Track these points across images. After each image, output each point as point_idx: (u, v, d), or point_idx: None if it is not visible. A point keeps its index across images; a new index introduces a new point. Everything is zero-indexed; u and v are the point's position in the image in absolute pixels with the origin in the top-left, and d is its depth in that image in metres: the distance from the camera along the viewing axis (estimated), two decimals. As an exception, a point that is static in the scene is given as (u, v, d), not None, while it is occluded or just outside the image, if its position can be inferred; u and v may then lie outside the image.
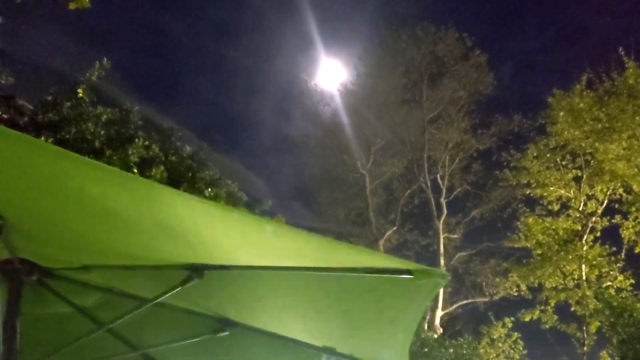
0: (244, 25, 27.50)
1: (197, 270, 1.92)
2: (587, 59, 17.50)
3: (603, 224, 17.32)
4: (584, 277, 16.56)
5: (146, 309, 2.21)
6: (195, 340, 2.51)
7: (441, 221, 20.07)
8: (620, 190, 16.92)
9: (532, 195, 18.30)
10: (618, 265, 16.70)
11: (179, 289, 1.96)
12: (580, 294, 16.49)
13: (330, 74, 23.01)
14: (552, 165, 17.97)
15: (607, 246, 16.92)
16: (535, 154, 18.10)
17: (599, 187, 17.26)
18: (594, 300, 14.64)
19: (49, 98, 7.49)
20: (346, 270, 1.87)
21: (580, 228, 17.46)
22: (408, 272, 1.75)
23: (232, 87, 27.75)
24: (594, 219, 17.32)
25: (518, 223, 18.60)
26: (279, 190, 26.30)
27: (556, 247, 17.28)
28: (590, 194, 17.61)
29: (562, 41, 26.20)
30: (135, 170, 6.99)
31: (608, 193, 17.20)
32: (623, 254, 16.91)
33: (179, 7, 24.70)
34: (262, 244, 1.81)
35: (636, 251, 16.76)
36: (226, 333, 2.49)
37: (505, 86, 21.76)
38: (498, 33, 28.39)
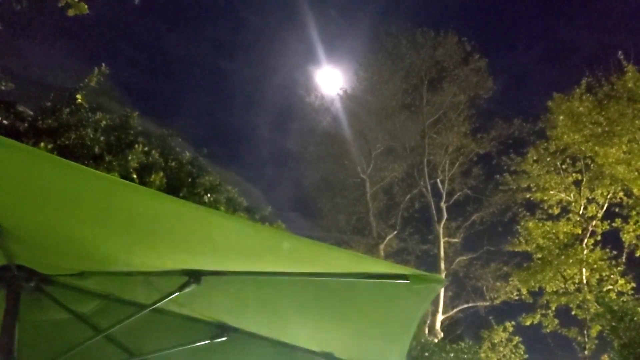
0: (243, 37, 27.54)
1: (194, 276, 1.93)
2: (580, 71, 17.55)
3: (603, 228, 17.31)
4: (585, 281, 16.55)
5: (144, 315, 2.22)
6: (193, 346, 2.51)
7: (441, 225, 20.07)
8: (621, 194, 16.92)
9: (532, 199, 18.32)
10: (619, 269, 16.70)
11: (177, 294, 1.97)
12: (581, 298, 16.48)
13: (331, 80, 23.04)
14: (552, 169, 17.98)
15: (607, 250, 16.93)
16: (535, 158, 18.11)
17: (599, 191, 17.28)
18: (595, 304, 14.61)
19: (48, 104, 7.49)
20: (343, 276, 1.87)
21: (580, 232, 17.46)
22: (404, 277, 1.75)
23: (230, 99, 27.64)
24: (594, 222, 17.31)
25: (518, 227, 18.59)
26: (279, 201, 26.20)
27: (557, 251, 17.26)
28: (590, 197, 17.61)
29: (554, 55, 26.30)
30: (135, 176, 6.97)
31: (608, 197, 17.20)
32: (624, 257, 16.92)
33: (178, 22, 24.77)
34: (260, 250, 1.82)
35: (637, 255, 16.76)
36: (224, 339, 2.49)
37: (499, 97, 21.84)
38: (491, 45, 28.45)
